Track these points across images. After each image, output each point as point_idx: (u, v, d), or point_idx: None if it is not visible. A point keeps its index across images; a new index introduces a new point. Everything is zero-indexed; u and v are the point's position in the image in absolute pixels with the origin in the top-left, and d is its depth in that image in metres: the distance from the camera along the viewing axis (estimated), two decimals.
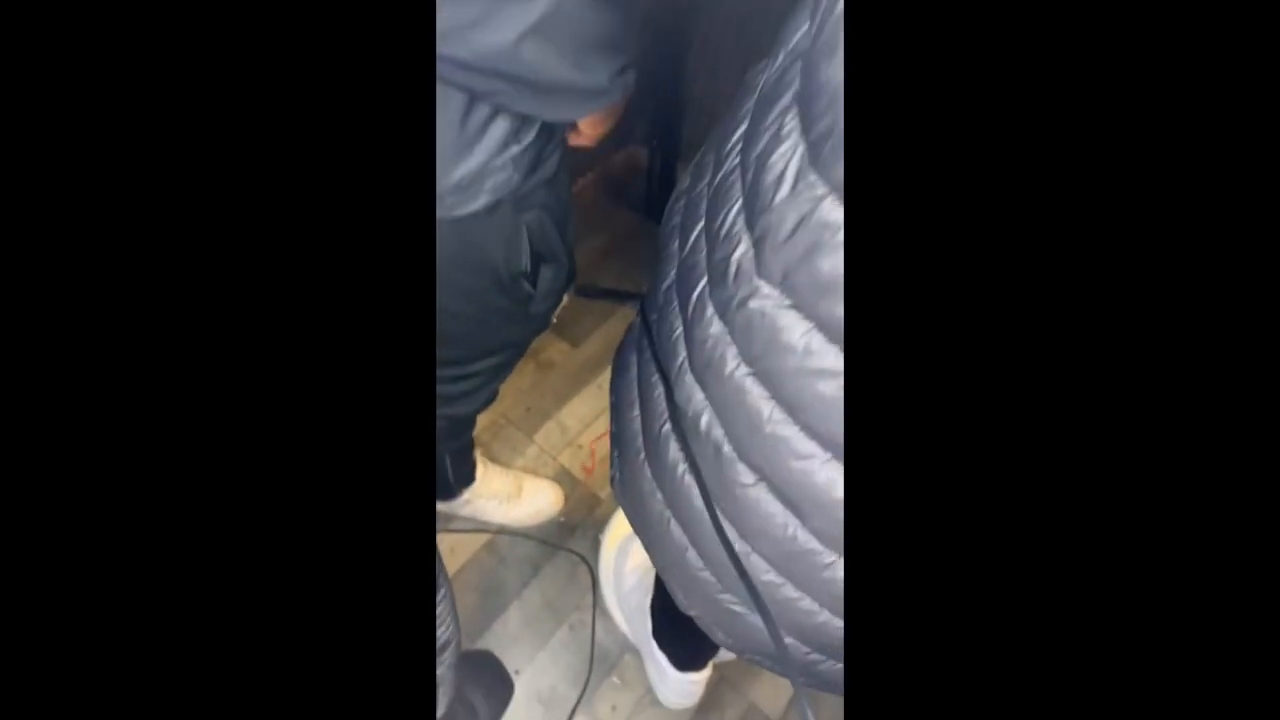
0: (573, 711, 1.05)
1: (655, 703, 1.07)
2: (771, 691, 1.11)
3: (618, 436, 0.60)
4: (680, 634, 0.94)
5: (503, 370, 0.82)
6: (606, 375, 1.42)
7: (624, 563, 1.10)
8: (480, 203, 0.57)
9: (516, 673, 1.08)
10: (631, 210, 1.69)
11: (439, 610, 0.65)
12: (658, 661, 1.01)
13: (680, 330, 0.47)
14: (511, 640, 1.10)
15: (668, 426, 0.49)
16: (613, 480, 0.60)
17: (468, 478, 1.14)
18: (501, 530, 1.19)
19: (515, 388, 1.36)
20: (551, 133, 0.59)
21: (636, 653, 1.11)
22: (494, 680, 1.06)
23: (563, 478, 1.27)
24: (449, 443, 0.99)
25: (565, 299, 0.76)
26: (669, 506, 0.52)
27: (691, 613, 0.55)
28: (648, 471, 0.53)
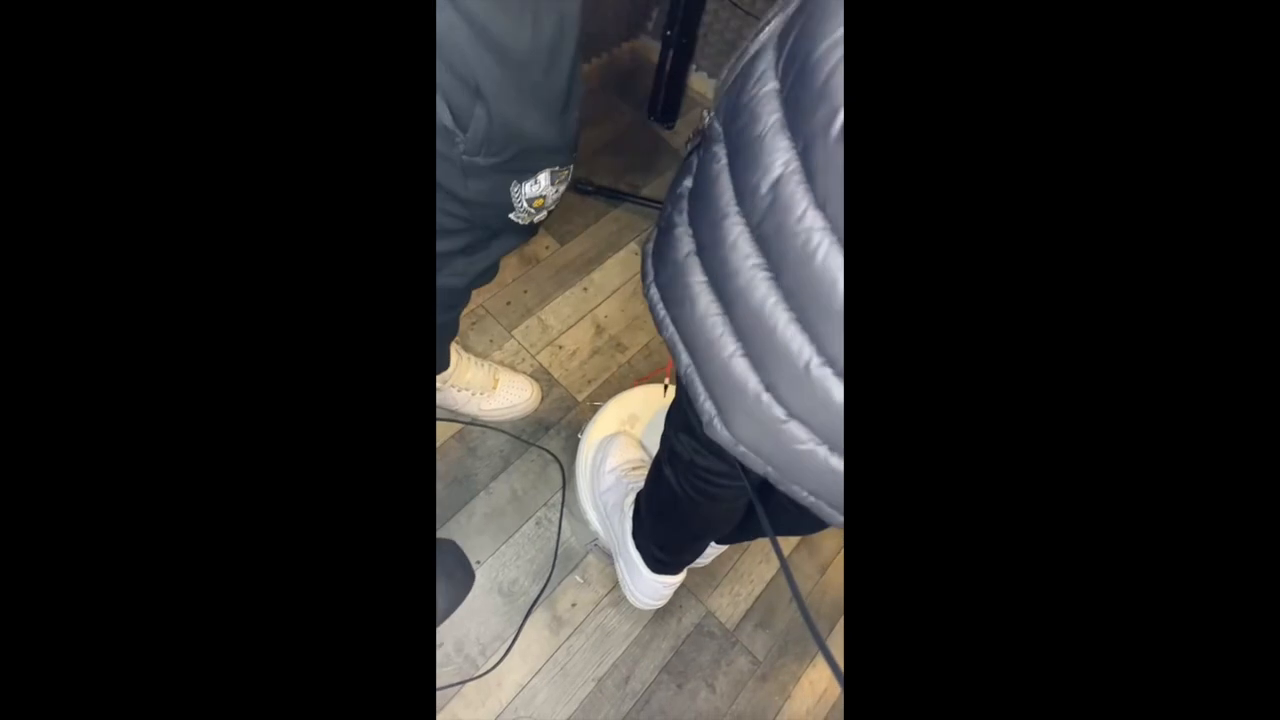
0: (533, 605, 1.07)
1: (615, 603, 1.09)
2: (729, 601, 1.14)
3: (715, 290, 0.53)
4: (661, 537, 0.94)
5: (476, 247, 0.73)
6: (592, 277, 1.38)
7: (603, 462, 1.09)
8: None
9: (478, 563, 1.08)
10: (634, 108, 1.60)
11: None
12: (632, 561, 1.01)
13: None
14: (476, 531, 1.11)
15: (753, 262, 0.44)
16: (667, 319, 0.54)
17: (440, 363, 1.10)
18: (474, 422, 1.17)
19: (498, 279, 1.31)
20: None
21: (602, 554, 1.12)
22: (455, 567, 1.06)
23: (540, 376, 1.24)
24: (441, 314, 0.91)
25: (553, 187, 0.67)
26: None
27: (739, 448, 0.50)
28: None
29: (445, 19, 0.50)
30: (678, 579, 1.02)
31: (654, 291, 0.52)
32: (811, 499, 0.49)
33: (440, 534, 1.09)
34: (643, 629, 1.09)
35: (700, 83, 1.66)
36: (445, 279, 0.75)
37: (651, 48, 1.61)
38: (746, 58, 0.43)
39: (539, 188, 0.65)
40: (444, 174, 0.60)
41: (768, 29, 0.42)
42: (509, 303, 1.30)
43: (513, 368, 1.23)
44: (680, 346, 0.51)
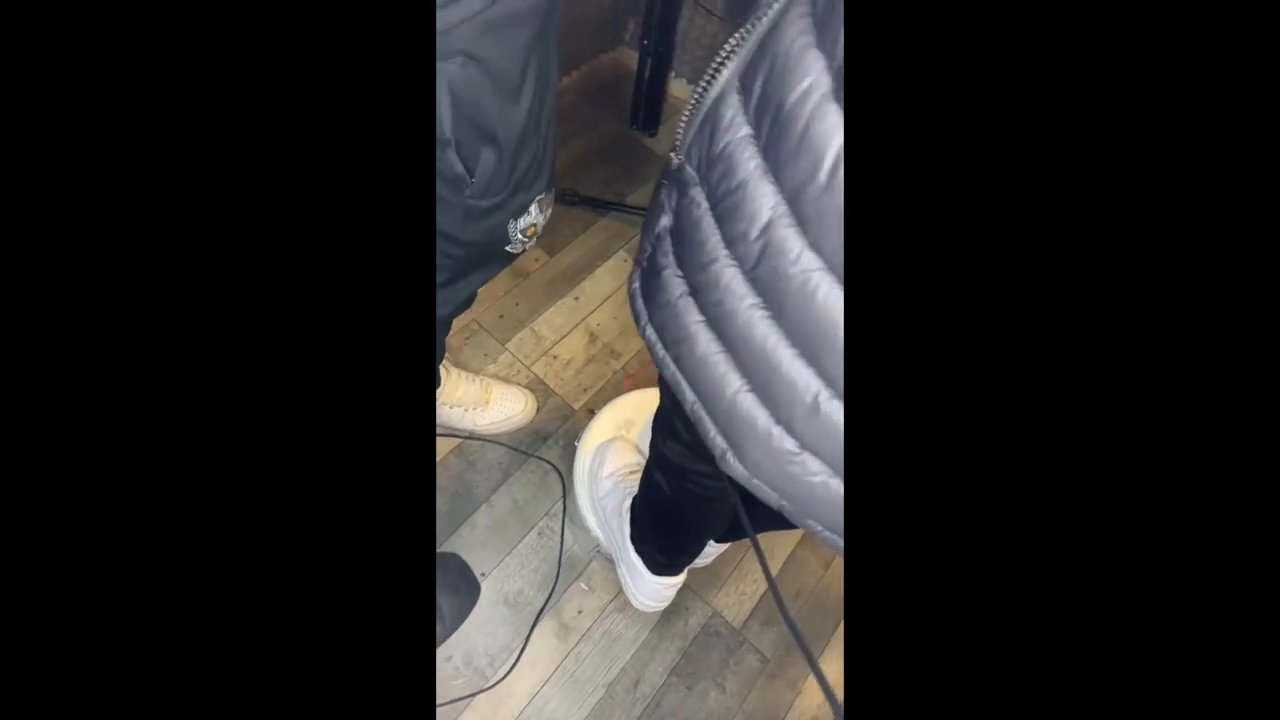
0: (539, 614, 1.07)
1: (621, 608, 1.10)
2: (735, 600, 1.15)
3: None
4: (659, 539, 0.95)
5: (469, 272, 0.73)
6: (583, 286, 1.39)
7: (600, 468, 1.10)
8: None
9: (483, 575, 1.09)
10: (616, 117, 1.61)
11: None
12: (633, 565, 1.02)
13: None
14: (479, 544, 1.11)
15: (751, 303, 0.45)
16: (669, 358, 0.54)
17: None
18: (471, 436, 1.18)
19: (489, 293, 1.32)
20: None
21: (605, 560, 1.13)
22: (460, 581, 1.07)
23: (536, 387, 1.25)
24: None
25: (541, 214, 0.68)
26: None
27: (753, 482, 0.50)
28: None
29: (467, 75, 0.50)
30: (679, 579, 1.03)
31: (650, 332, 0.52)
32: (826, 533, 0.49)
33: (444, 548, 1.10)
34: (650, 632, 1.10)
35: (680, 89, 1.68)
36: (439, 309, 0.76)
37: (630, 57, 1.63)
38: (709, 100, 0.43)
39: (530, 218, 0.67)
40: (444, 220, 0.60)
41: (725, 71, 0.42)
42: (501, 316, 1.31)
43: (508, 380, 1.24)
44: (684, 385, 0.51)
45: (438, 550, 1.09)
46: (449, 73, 0.49)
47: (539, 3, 0.51)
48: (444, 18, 0.46)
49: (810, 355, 0.40)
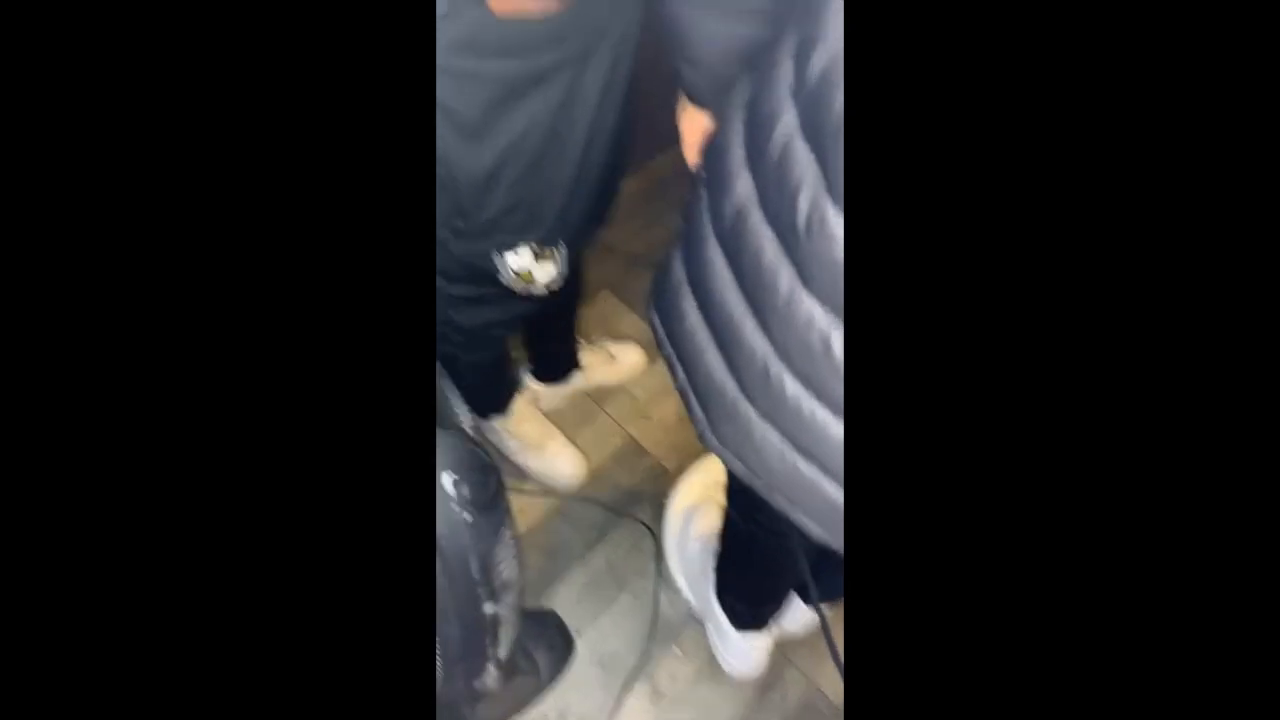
0: (631, 677, 1.07)
1: (715, 676, 1.08)
2: (836, 675, 1.10)
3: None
4: (736, 583, 0.94)
5: (485, 301, 0.84)
6: None
7: (689, 528, 1.11)
8: None
9: (578, 633, 1.10)
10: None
11: (503, 550, 0.67)
12: (719, 622, 1.01)
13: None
14: (574, 602, 1.13)
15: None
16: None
17: (497, 406, 1.18)
18: (569, 495, 1.22)
19: None
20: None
21: (698, 625, 1.12)
22: (556, 638, 1.09)
23: (630, 448, 1.28)
24: (465, 354, 0.99)
25: (537, 264, 0.76)
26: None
27: (725, 454, 0.55)
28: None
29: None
30: (765, 640, 1.00)
31: (654, 315, 0.59)
32: (797, 513, 0.53)
33: (541, 603, 1.12)
34: (745, 705, 1.07)
35: None
36: (463, 318, 0.86)
37: None
38: (724, 113, 0.50)
39: (521, 261, 0.75)
40: (439, 226, 0.72)
41: (741, 95, 0.49)
42: None
43: (603, 441, 1.27)
44: (676, 361, 0.57)
45: (535, 606, 1.11)
46: None
47: (513, 76, 0.60)
48: None
49: (767, 329, 0.46)
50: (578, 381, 1.28)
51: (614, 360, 1.32)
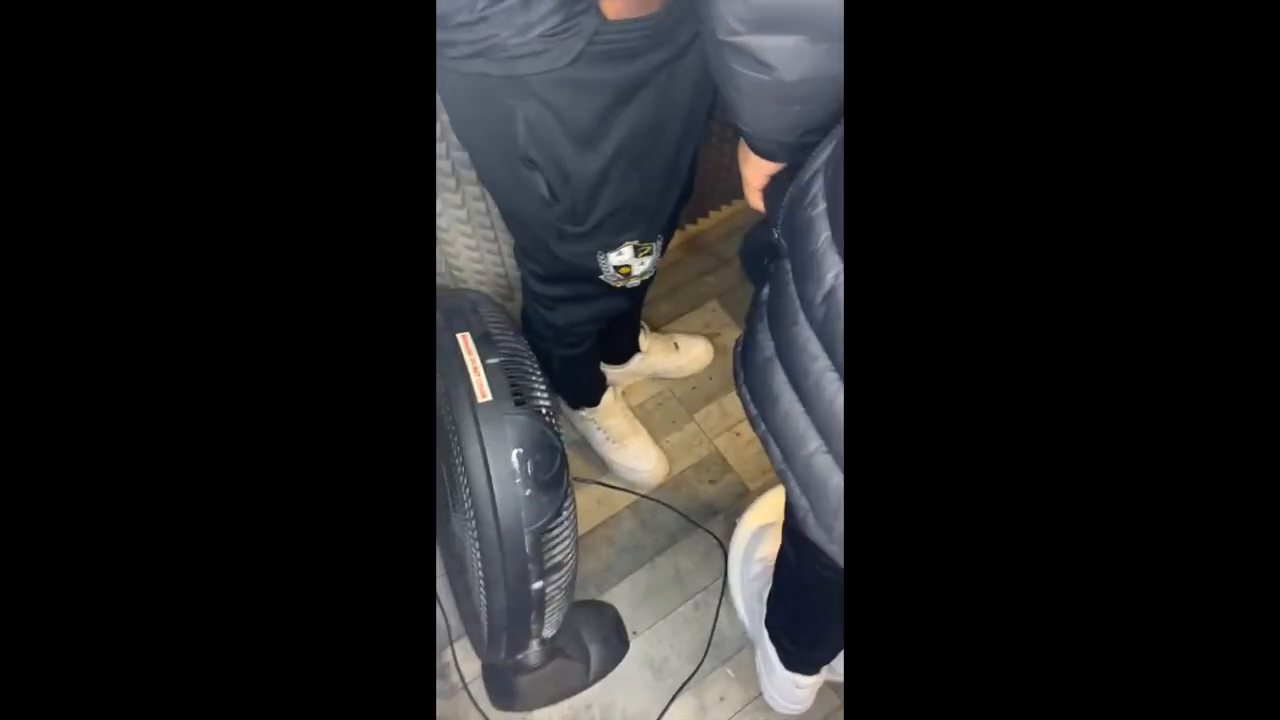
0: (681, 687, 1.07)
1: (765, 708, 1.05)
2: None
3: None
4: (787, 623, 0.91)
5: (580, 299, 0.86)
6: None
7: (755, 549, 1.09)
8: (459, 52, 0.58)
9: (634, 634, 1.11)
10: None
11: (559, 532, 0.69)
12: (767, 654, 0.98)
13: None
14: (636, 602, 1.14)
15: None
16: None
17: (589, 399, 1.21)
18: (648, 496, 1.23)
19: None
20: (564, 4, 0.55)
21: (753, 650, 1.09)
22: (611, 633, 1.10)
23: (714, 460, 1.28)
24: (557, 348, 1.02)
25: (637, 259, 0.78)
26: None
27: (832, 546, 0.51)
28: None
29: (540, 115, 0.63)
30: (813, 681, 0.97)
31: (744, 391, 0.57)
32: None
33: (604, 598, 1.14)
34: None
35: None
36: (556, 317, 0.91)
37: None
38: (804, 179, 0.46)
39: (622, 258, 0.78)
40: (541, 232, 0.76)
41: (824, 154, 0.45)
42: (694, 388, 1.36)
43: (688, 450, 1.28)
44: (772, 443, 0.53)
45: (600, 599, 1.14)
46: (525, 108, 0.63)
47: (623, 81, 0.62)
48: (522, 67, 0.59)
49: None
50: (634, 364, 1.30)
51: (677, 350, 1.34)
